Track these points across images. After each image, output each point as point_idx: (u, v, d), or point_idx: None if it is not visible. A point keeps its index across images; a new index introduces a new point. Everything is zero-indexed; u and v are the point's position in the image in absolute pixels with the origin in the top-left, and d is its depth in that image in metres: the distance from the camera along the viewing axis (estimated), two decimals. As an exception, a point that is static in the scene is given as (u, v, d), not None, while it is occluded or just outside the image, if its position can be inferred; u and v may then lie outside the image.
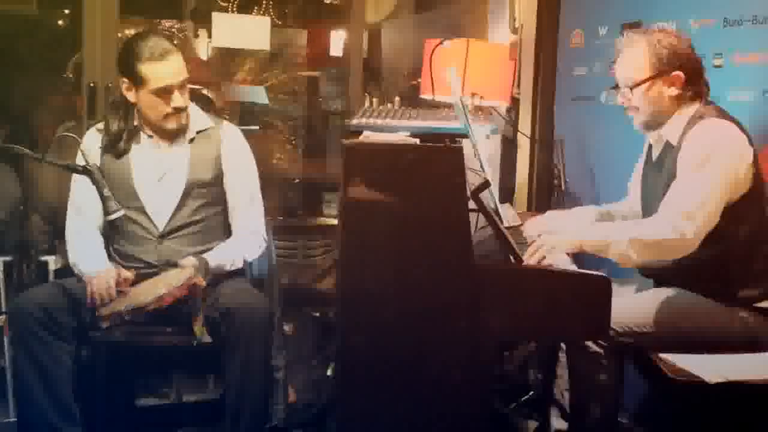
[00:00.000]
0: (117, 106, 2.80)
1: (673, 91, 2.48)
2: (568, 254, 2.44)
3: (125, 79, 2.71)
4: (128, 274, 2.61)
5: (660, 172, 2.55)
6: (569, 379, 2.66)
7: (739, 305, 2.46)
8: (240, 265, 2.82)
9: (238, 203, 2.86)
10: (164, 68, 2.66)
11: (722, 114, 2.48)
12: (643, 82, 2.48)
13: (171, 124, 2.74)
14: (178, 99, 2.70)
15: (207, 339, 2.55)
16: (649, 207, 2.63)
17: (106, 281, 2.53)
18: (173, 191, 2.77)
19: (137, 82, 2.68)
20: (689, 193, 2.34)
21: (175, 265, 2.68)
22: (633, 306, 2.51)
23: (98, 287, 2.51)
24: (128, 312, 2.44)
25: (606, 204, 2.92)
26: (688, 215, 2.30)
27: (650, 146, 2.69)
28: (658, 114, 2.52)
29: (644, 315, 2.49)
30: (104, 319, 2.46)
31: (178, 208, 2.76)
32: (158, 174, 2.77)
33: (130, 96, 2.72)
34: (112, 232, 2.79)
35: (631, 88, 2.51)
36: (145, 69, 2.65)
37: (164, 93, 2.68)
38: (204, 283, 2.57)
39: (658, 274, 2.62)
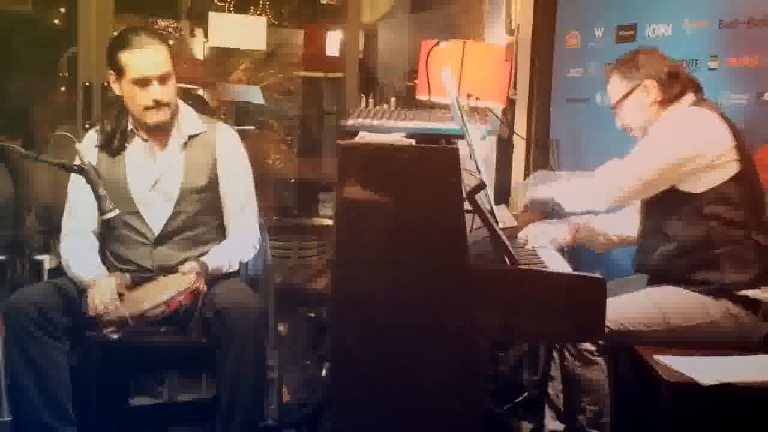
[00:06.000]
0: (111, 106, 2.79)
1: (650, 98, 2.63)
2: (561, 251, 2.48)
3: (111, 71, 2.71)
4: (126, 280, 2.60)
5: None
6: (561, 377, 2.67)
7: (727, 294, 2.49)
8: (237, 267, 2.81)
9: (233, 207, 2.85)
10: (142, 58, 2.64)
11: (701, 104, 2.59)
12: (620, 100, 2.68)
13: (151, 119, 2.70)
14: (158, 92, 2.67)
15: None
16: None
17: (106, 292, 2.48)
18: (168, 197, 2.75)
19: (118, 71, 2.68)
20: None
21: (169, 269, 2.68)
22: (626, 304, 2.53)
23: (100, 298, 2.46)
24: (133, 318, 2.42)
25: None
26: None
27: None
28: (648, 122, 2.66)
29: (637, 313, 2.52)
30: (107, 325, 2.42)
31: (174, 214, 2.75)
32: (152, 179, 2.75)
33: (116, 88, 2.72)
34: (108, 233, 2.77)
35: (614, 108, 2.71)
36: (124, 58, 2.65)
37: (143, 83, 2.66)
38: (205, 288, 2.57)
39: (651, 269, 2.67)
